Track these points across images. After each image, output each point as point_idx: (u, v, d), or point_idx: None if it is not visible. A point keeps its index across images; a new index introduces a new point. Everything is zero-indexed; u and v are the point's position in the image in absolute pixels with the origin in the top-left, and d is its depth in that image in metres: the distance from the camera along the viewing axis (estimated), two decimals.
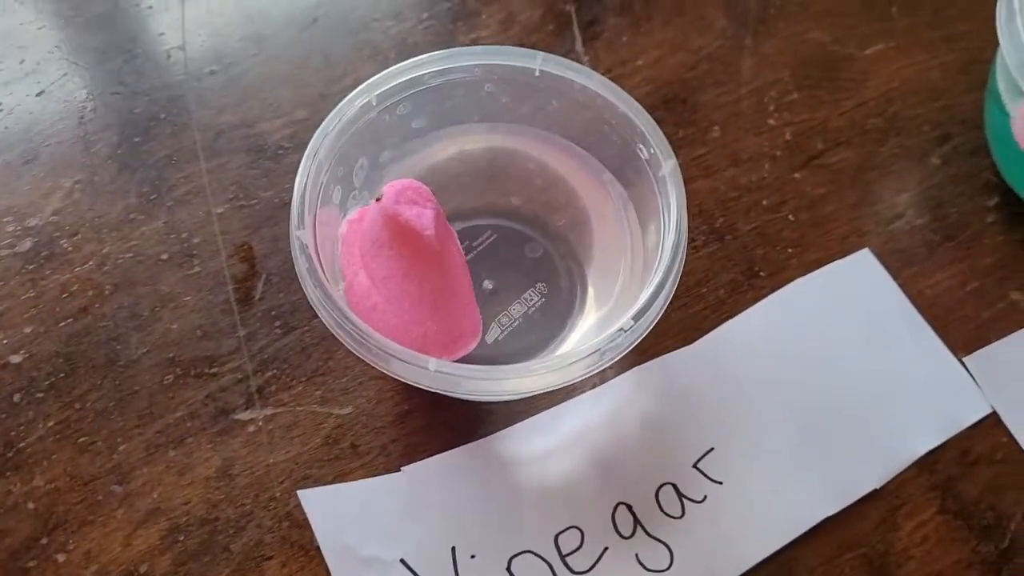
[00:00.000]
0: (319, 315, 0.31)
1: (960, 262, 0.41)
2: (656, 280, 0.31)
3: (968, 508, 0.36)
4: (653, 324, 0.31)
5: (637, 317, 0.31)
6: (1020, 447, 0.37)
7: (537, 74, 0.35)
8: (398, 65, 0.35)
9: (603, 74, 0.36)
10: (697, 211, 0.42)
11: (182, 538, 0.35)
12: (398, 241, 0.32)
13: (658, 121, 0.34)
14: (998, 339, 0.39)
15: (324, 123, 0.33)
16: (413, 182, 0.33)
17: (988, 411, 0.38)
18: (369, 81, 0.34)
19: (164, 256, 0.40)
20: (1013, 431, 0.37)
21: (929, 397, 0.38)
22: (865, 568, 0.35)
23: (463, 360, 0.34)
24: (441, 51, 0.35)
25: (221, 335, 0.38)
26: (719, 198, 0.42)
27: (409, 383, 0.31)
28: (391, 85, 0.35)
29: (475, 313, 0.34)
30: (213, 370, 0.37)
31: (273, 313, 0.39)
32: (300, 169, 0.33)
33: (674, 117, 0.44)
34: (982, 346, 0.39)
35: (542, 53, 0.35)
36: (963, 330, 0.39)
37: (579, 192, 0.38)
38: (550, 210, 0.38)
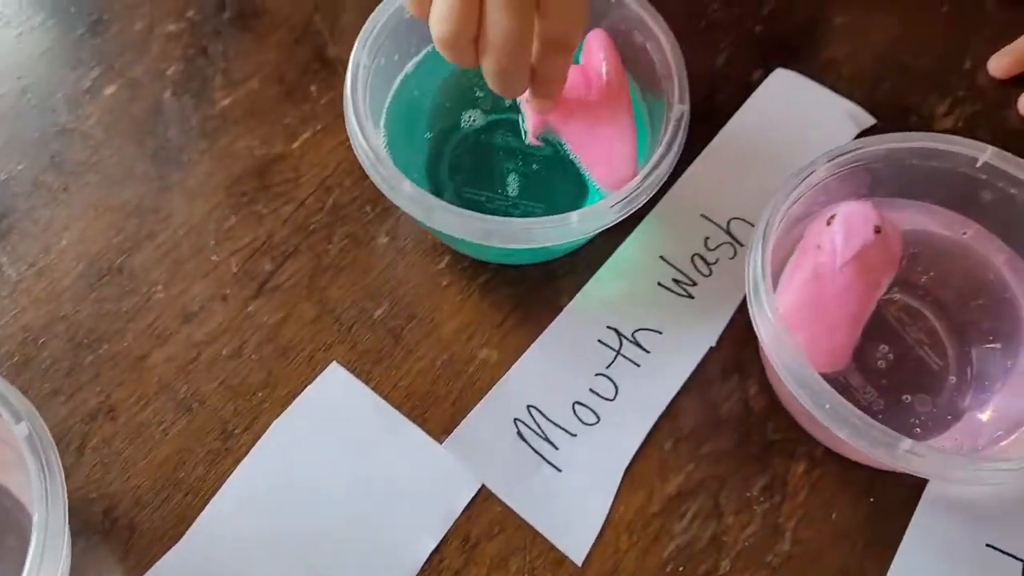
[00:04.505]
0: None
1: (427, 338, 0.41)
2: None
3: None
4: None
5: None
6: (512, 510, 0.38)
7: None
8: None
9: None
10: (157, 388, 0.40)
11: None
12: None
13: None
14: (473, 408, 0.40)
15: None
16: None
17: (478, 486, 0.38)
18: None
19: None
20: (503, 497, 0.38)
21: (424, 493, 0.38)
22: None
23: None
24: None
25: None
26: (177, 365, 0.40)
27: None
28: None
29: None
30: None
31: None
32: None
33: (112, 290, 0.41)
34: (461, 420, 0.39)
35: None
36: (440, 411, 0.40)
37: None
38: None
